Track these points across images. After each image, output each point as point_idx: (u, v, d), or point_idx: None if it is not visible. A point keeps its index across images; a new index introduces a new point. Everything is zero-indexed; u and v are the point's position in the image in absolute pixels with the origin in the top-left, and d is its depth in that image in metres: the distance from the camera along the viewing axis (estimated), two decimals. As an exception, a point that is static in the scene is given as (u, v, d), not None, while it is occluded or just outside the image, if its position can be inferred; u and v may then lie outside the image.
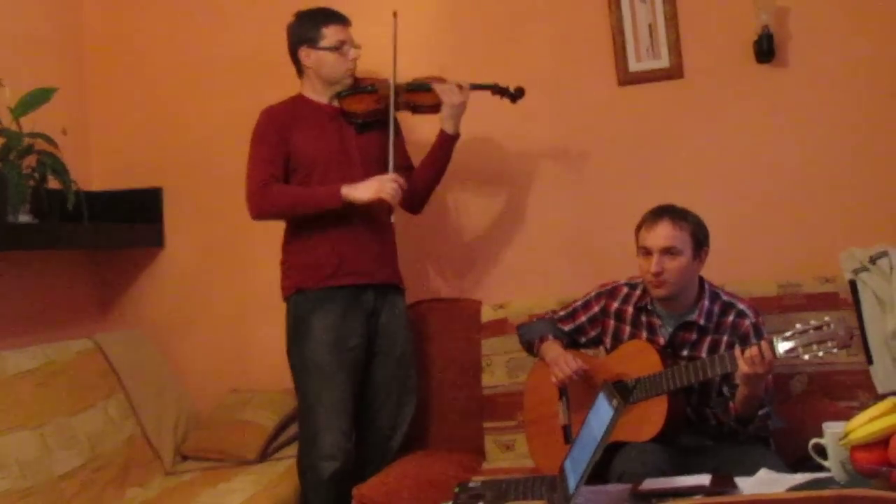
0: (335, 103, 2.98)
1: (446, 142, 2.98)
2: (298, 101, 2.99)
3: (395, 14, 2.93)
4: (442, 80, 3.01)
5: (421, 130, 3.21)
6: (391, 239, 3.03)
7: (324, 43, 2.92)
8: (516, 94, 3.05)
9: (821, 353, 2.17)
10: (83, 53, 3.76)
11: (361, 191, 2.78)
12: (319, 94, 2.97)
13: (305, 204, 2.84)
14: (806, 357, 2.19)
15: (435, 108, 3.00)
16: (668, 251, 2.45)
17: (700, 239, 2.49)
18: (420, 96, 3.00)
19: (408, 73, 3.00)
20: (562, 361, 2.59)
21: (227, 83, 3.63)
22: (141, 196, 3.67)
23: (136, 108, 3.74)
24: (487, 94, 3.06)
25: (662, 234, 2.47)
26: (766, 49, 3.14)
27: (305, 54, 2.94)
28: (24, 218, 3.00)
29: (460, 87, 2.94)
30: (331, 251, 2.86)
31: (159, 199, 3.69)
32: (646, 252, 2.50)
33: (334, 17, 2.95)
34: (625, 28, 3.30)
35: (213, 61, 3.66)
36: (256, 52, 3.58)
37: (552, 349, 2.68)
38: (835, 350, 2.16)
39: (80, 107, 3.71)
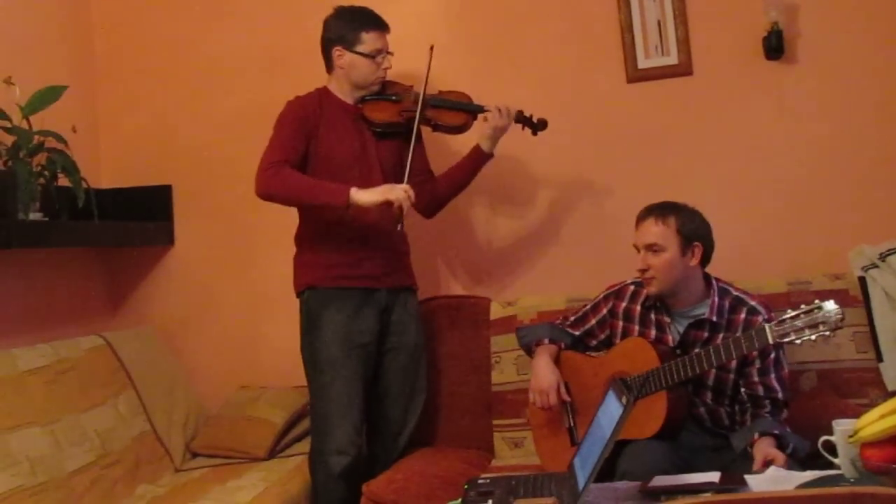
0: (359, 104, 2.96)
1: (480, 159, 2.97)
2: (324, 95, 2.96)
3: (431, 48, 2.88)
4: (467, 98, 3.00)
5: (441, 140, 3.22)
6: (405, 245, 3.04)
7: (360, 48, 2.88)
8: (538, 126, 3.00)
9: (814, 338, 2.16)
10: (93, 52, 3.77)
11: (369, 194, 2.69)
12: (345, 94, 2.95)
13: (311, 194, 2.75)
14: (799, 342, 2.19)
15: (456, 129, 2.99)
16: (652, 248, 2.49)
17: (687, 235, 2.48)
18: (444, 115, 2.96)
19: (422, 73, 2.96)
20: (537, 389, 2.65)
21: (236, 81, 3.64)
22: (151, 194, 3.68)
23: (145, 106, 3.75)
24: None
25: (646, 231, 2.51)
26: (775, 46, 3.13)
27: (339, 54, 2.90)
28: (34, 216, 3.00)
29: (501, 110, 2.91)
30: (344, 255, 2.86)
31: (169, 196, 3.70)
32: (637, 249, 2.54)
33: (376, 24, 2.90)
34: (633, 25, 3.30)
35: (223, 59, 3.66)
36: (266, 49, 3.60)
37: (540, 359, 2.70)
38: (828, 333, 2.15)
39: (89, 105, 3.72)
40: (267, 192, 2.77)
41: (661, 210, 2.52)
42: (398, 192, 2.69)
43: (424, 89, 2.91)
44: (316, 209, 2.85)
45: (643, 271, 2.52)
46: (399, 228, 2.77)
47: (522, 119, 2.98)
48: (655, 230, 2.49)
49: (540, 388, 2.64)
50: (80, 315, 3.54)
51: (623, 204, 3.25)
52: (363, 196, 2.68)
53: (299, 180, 2.78)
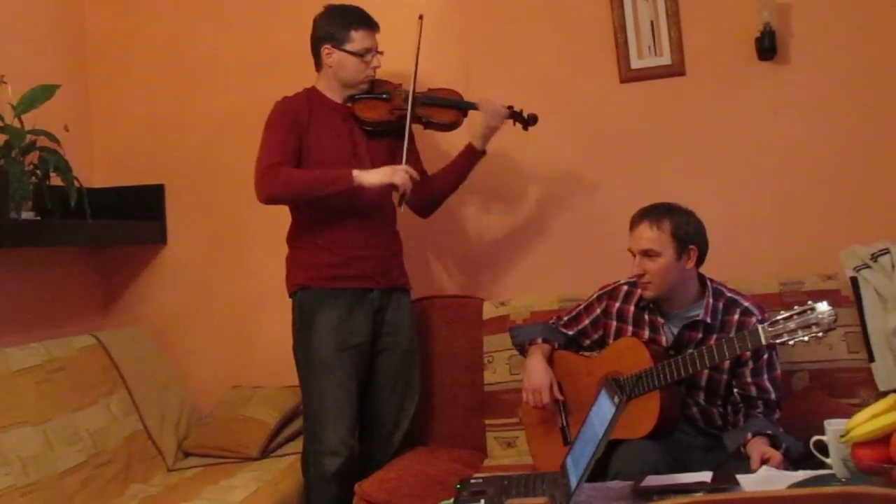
0: (349, 104, 2.96)
1: (473, 157, 2.98)
2: (313, 95, 2.95)
3: (420, 17, 2.90)
4: (458, 95, 3.01)
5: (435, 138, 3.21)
6: (398, 245, 3.04)
7: (349, 47, 2.88)
8: (529, 121, 3.01)
9: (806, 339, 2.16)
10: (85, 50, 3.76)
11: (373, 175, 2.76)
12: (334, 93, 2.95)
13: (316, 185, 2.76)
14: (791, 343, 2.19)
15: (447, 126, 2.99)
16: (647, 253, 2.47)
17: (683, 238, 2.46)
18: (435, 112, 2.96)
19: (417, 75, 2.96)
20: (530, 388, 2.64)
21: (228, 80, 3.63)
22: (143, 193, 3.67)
23: (138, 105, 3.74)
24: None
25: (641, 236, 2.48)
26: (767, 46, 3.14)
27: (328, 52, 2.90)
28: (26, 215, 3.00)
29: (491, 109, 2.91)
30: (337, 254, 2.86)
31: (162, 195, 3.69)
32: (631, 254, 2.52)
33: (365, 22, 2.90)
34: (626, 25, 3.30)
35: (216, 58, 3.66)
36: (258, 48, 3.59)
37: (533, 358, 2.70)
38: (820, 334, 2.15)
39: (82, 103, 3.71)
40: (271, 196, 2.77)
41: (655, 214, 2.49)
42: (401, 176, 2.76)
43: (414, 84, 2.91)
44: (321, 201, 2.82)
45: (639, 276, 2.50)
46: (402, 209, 2.85)
47: (513, 115, 2.98)
48: (650, 235, 2.46)
49: (533, 386, 2.64)
50: (72, 314, 3.53)
51: (616, 204, 3.25)
52: (367, 178, 2.76)
53: (300, 176, 2.79)
